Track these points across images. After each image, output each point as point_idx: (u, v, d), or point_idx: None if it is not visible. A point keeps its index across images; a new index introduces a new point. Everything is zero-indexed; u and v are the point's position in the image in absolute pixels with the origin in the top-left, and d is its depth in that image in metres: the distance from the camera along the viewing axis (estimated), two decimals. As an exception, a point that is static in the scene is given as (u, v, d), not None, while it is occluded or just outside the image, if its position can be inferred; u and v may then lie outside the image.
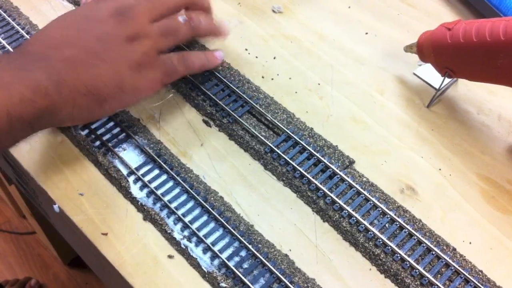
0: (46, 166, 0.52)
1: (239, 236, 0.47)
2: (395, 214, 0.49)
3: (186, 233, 0.48)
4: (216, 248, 0.47)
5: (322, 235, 0.49)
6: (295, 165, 0.52)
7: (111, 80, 0.48)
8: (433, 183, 0.53)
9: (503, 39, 0.49)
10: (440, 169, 0.54)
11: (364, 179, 0.52)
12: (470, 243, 0.49)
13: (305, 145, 0.54)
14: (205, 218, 0.49)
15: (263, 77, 0.61)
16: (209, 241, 0.47)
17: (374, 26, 0.67)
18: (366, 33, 0.67)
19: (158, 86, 0.53)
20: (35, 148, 0.53)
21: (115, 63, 0.49)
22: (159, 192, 0.50)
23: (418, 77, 0.62)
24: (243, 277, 0.45)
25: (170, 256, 0.47)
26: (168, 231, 0.48)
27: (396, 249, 0.47)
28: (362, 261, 0.48)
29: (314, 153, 0.53)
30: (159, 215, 0.49)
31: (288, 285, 0.45)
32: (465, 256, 0.48)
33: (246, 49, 0.64)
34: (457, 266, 0.47)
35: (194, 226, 0.48)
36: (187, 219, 0.48)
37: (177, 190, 0.50)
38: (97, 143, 0.53)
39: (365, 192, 0.50)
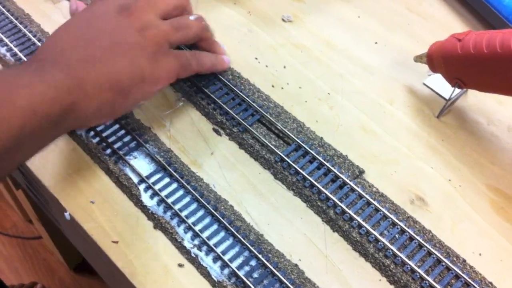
0: (58, 174, 0.53)
1: (249, 246, 0.47)
2: (405, 225, 0.49)
3: (196, 242, 0.48)
4: (226, 257, 0.47)
5: (332, 245, 0.49)
6: (305, 175, 0.52)
7: (131, 72, 0.49)
8: (443, 193, 0.53)
9: (514, 51, 0.49)
10: (450, 180, 0.54)
11: (374, 189, 0.52)
12: (480, 254, 0.49)
13: (315, 154, 0.54)
14: (215, 227, 0.49)
15: (273, 86, 0.61)
16: (219, 250, 0.47)
17: (384, 36, 0.68)
18: (376, 43, 0.67)
19: (174, 76, 0.54)
20: (47, 156, 0.54)
21: (131, 55, 0.50)
22: (169, 200, 0.50)
23: (428, 87, 0.62)
24: (253, 287, 0.45)
25: (180, 265, 0.48)
26: (179, 240, 0.48)
27: (406, 260, 0.47)
28: (372, 271, 0.48)
29: (324, 162, 0.53)
30: (170, 223, 0.49)
31: (298, 295, 0.45)
32: (474, 268, 0.48)
33: (256, 58, 0.64)
34: (467, 278, 0.46)
35: (205, 235, 0.48)
36: (197, 228, 0.48)
37: (187, 199, 0.51)
38: (108, 151, 0.54)
39: (375, 203, 0.50)
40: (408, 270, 0.47)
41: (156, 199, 0.51)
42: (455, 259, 0.48)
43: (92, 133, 0.55)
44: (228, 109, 0.57)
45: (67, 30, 0.51)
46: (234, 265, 0.47)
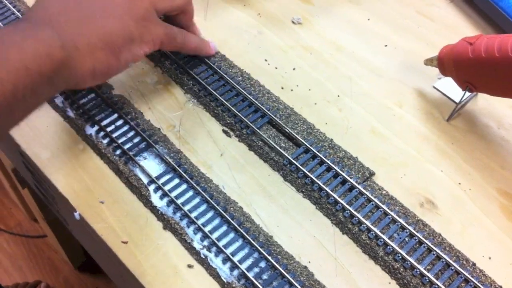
0: (67, 174, 0.53)
1: (258, 247, 0.47)
2: (414, 229, 0.49)
3: (205, 243, 0.48)
4: (235, 259, 0.47)
5: (341, 247, 0.49)
6: (314, 178, 0.52)
7: (121, 32, 0.51)
8: (452, 197, 0.53)
9: (525, 55, 0.49)
10: (459, 183, 0.54)
11: (384, 192, 0.52)
12: (490, 258, 0.49)
13: (323, 157, 0.54)
14: (224, 228, 0.49)
15: (282, 88, 0.61)
16: (228, 251, 0.47)
17: (393, 38, 0.68)
18: (385, 45, 0.67)
19: (159, 42, 0.55)
20: (57, 156, 0.54)
21: (122, 17, 0.51)
22: (179, 201, 0.50)
23: (438, 90, 0.62)
24: (262, 289, 0.45)
25: (189, 266, 0.48)
26: (188, 241, 0.48)
27: (415, 263, 0.47)
28: (381, 274, 0.48)
29: (333, 166, 0.53)
30: (179, 224, 0.49)
31: (308, 297, 0.45)
32: (484, 271, 0.48)
33: (265, 60, 0.64)
34: (476, 282, 0.46)
35: (214, 236, 0.48)
36: (207, 229, 0.48)
37: (197, 200, 0.51)
38: (118, 151, 0.54)
39: (384, 206, 0.50)
40: (417, 274, 0.47)
41: (165, 200, 0.51)
42: (464, 262, 0.48)
43: (102, 133, 0.55)
44: (237, 111, 0.57)
45: None
46: (243, 266, 0.47)
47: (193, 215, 0.49)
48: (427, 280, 0.46)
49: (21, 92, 0.42)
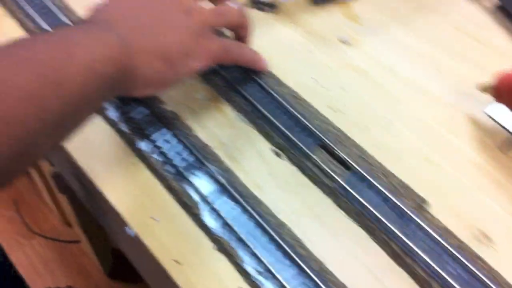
0: (120, 189, 0.53)
1: (311, 274, 0.47)
2: (470, 263, 0.48)
3: (257, 266, 0.48)
4: (288, 285, 0.46)
5: (395, 278, 0.48)
6: (366, 204, 0.52)
7: (178, 46, 0.52)
8: (509, 231, 0.52)
9: None
10: (516, 217, 0.53)
11: (437, 222, 0.51)
12: (547, 296, 0.48)
13: (376, 183, 0.53)
14: (276, 252, 0.49)
15: (332, 109, 0.61)
16: (280, 276, 0.47)
17: (444, 62, 0.67)
18: (436, 69, 0.66)
19: (214, 56, 0.56)
20: (109, 170, 0.54)
21: (179, 31, 0.53)
22: (231, 222, 0.50)
23: (491, 118, 0.61)
24: (314, 316, 0.45)
25: (240, 289, 0.47)
26: (240, 264, 0.48)
27: (471, 298, 0.46)
28: (435, 308, 0.47)
29: (385, 192, 0.52)
30: (231, 246, 0.49)
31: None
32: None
33: (314, 79, 0.64)
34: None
35: (266, 260, 0.48)
36: (258, 253, 0.48)
37: (249, 222, 0.50)
38: (170, 168, 0.54)
39: (438, 237, 0.49)
40: (473, 309, 0.46)
41: (218, 220, 0.50)
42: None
43: (154, 148, 0.55)
44: (287, 132, 0.57)
45: (119, 1, 0.53)
46: (295, 292, 0.46)
47: (245, 237, 0.49)
48: (483, 316, 0.45)
49: (87, 92, 0.44)
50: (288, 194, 0.54)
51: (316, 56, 0.67)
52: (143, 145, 0.56)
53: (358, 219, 0.52)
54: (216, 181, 0.53)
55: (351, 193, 0.53)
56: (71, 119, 0.44)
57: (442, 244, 0.49)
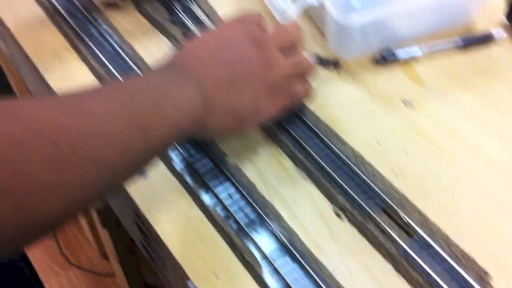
0: (183, 241, 0.53)
1: None
2: None
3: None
4: None
5: None
6: (429, 271, 0.51)
7: (250, 104, 0.54)
8: None
9: None
10: None
11: (504, 298, 0.50)
12: None
13: (438, 252, 0.52)
14: (340, 319, 0.48)
15: (393, 171, 0.61)
16: None
17: (510, 129, 0.66)
18: (501, 135, 0.65)
19: (285, 109, 0.58)
20: (173, 221, 0.55)
21: (254, 87, 0.54)
22: (292, 284, 0.50)
23: (558, 191, 0.59)
24: None
25: None
26: (303, 328, 0.47)
27: None
28: None
29: (447, 261, 0.51)
30: (294, 309, 0.48)
31: None
32: None
33: (376, 140, 0.64)
34: None
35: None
36: (322, 318, 0.48)
37: (309, 284, 0.50)
38: (232, 223, 0.54)
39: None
40: None
41: (279, 281, 0.50)
42: None
43: (217, 202, 0.56)
44: (350, 192, 0.57)
45: (204, 46, 0.55)
46: None
47: (307, 301, 0.49)
48: None
49: (165, 142, 0.48)
50: (348, 257, 0.53)
51: (379, 116, 0.67)
52: (206, 198, 0.56)
53: (419, 287, 0.51)
54: (278, 239, 0.53)
55: (413, 260, 0.52)
56: (145, 163, 0.48)
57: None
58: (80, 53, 0.72)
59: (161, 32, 0.75)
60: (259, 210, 0.55)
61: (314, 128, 0.62)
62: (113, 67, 0.69)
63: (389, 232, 0.54)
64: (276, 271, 0.51)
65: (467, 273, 0.51)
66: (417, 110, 0.68)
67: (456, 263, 0.52)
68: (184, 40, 0.72)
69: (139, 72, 0.68)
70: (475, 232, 0.56)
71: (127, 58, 0.70)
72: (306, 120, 0.63)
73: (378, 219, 0.55)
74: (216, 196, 0.56)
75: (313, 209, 0.57)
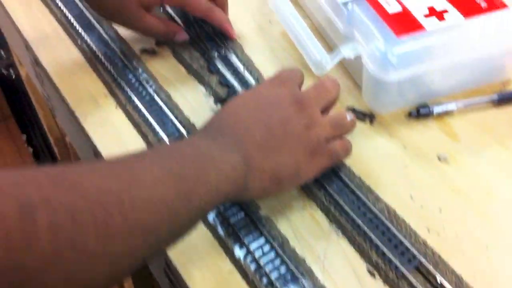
0: (214, 295, 0.53)
1: None
2: None
3: None
4: None
5: None
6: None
7: (290, 167, 0.54)
8: None
9: None
10: None
11: None
12: None
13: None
14: None
15: (428, 230, 0.60)
16: None
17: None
18: (539, 197, 0.64)
19: (321, 171, 0.58)
20: (205, 274, 0.55)
21: (295, 151, 0.54)
22: None
23: None
24: None
25: None
26: None
27: None
28: None
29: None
30: None
31: None
32: None
33: (411, 196, 0.63)
34: None
35: None
36: None
37: None
38: (265, 280, 0.53)
39: None
40: None
41: None
42: None
43: (249, 257, 0.55)
44: (385, 250, 0.56)
45: (246, 108, 0.55)
46: None
47: None
48: None
49: (207, 207, 0.48)
50: (381, 317, 0.52)
51: (413, 171, 0.66)
52: (238, 251, 0.56)
53: None
54: (310, 297, 0.52)
55: (448, 323, 0.50)
56: (189, 229, 0.48)
57: None
58: (116, 98, 0.74)
59: (197, 79, 0.76)
60: (291, 267, 0.54)
61: (347, 182, 0.62)
62: (148, 113, 0.70)
63: (424, 294, 0.53)
64: (308, 331, 0.50)
65: None
66: (452, 166, 0.67)
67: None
68: (219, 88, 0.73)
69: (173, 118, 0.69)
70: (513, 295, 0.54)
71: (162, 105, 0.71)
72: (340, 174, 0.63)
73: (411, 279, 0.54)
74: (246, 248, 0.56)
75: (345, 265, 0.56)
